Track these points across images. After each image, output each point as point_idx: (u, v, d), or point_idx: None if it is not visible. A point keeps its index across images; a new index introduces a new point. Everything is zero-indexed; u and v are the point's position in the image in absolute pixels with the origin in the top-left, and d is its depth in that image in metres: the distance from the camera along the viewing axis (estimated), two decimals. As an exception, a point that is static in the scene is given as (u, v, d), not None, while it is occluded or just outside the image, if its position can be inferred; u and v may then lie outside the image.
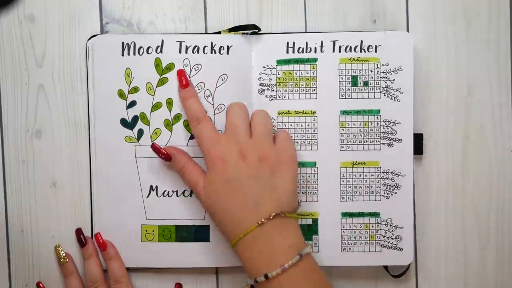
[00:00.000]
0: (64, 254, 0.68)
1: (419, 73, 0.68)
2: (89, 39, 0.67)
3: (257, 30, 0.67)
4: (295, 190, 0.62)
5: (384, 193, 0.67)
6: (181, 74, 0.65)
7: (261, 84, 0.67)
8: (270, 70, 0.67)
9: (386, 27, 0.68)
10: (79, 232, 0.68)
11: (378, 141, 0.67)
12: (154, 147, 0.66)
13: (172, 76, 0.67)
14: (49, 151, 0.68)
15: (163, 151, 0.65)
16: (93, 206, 0.68)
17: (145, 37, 0.67)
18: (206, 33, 0.68)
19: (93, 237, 0.68)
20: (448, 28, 0.68)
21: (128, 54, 0.67)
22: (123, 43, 0.67)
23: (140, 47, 0.67)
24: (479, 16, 0.68)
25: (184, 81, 0.65)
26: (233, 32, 0.67)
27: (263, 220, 0.59)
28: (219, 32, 0.68)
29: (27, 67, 0.68)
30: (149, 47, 0.67)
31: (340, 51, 0.67)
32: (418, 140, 0.67)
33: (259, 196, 0.60)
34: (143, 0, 0.68)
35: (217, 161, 0.61)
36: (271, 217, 0.59)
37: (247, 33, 0.67)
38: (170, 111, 0.67)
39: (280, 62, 0.67)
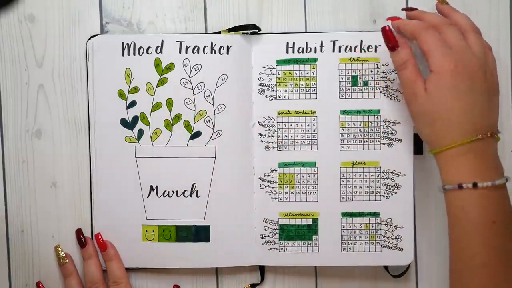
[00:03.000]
0: (64, 255, 0.68)
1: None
2: (89, 39, 0.67)
3: (257, 30, 0.67)
4: None
5: (384, 193, 0.67)
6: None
7: (261, 84, 0.67)
8: (270, 70, 0.67)
9: (386, 27, 0.68)
10: (79, 232, 0.68)
11: (378, 141, 0.67)
12: (386, 30, 0.61)
13: (172, 76, 0.67)
14: (49, 151, 0.68)
15: (392, 37, 0.62)
16: (93, 206, 0.68)
17: (145, 37, 0.67)
18: (206, 33, 0.68)
19: (94, 238, 0.68)
20: (448, 28, 0.68)
21: (128, 54, 0.67)
22: (123, 43, 0.67)
23: (140, 47, 0.67)
24: (479, 15, 0.68)
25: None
26: (233, 32, 0.67)
27: (485, 134, 0.59)
28: (219, 32, 0.68)
29: (27, 67, 0.68)
30: (149, 47, 0.67)
31: (340, 51, 0.67)
32: (418, 140, 0.67)
33: (484, 109, 0.60)
34: (143, 0, 0.68)
35: (448, 69, 0.59)
36: (489, 134, 0.60)
37: (247, 33, 0.67)
38: (170, 111, 0.67)
39: (280, 62, 0.67)
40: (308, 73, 0.67)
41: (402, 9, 0.66)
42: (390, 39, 0.62)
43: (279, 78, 0.67)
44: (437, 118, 0.60)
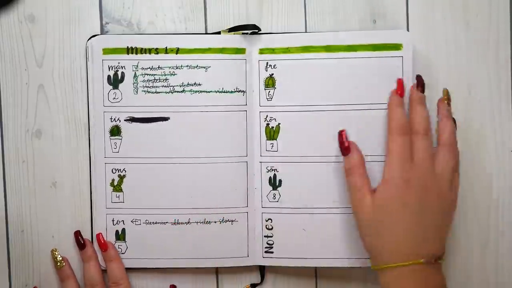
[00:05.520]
0: (60, 258, 0.68)
1: (419, 73, 0.68)
2: (89, 39, 0.67)
3: (257, 30, 0.67)
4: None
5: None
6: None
7: (261, 84, 0.67)
8: (271, 70, 0.67)
9: (386, 27, 0.68)
10: (77, 234, 0.68)
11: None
12: (341, 135, 0.63)
13: (172, 76, 0.67)
14: (49, 151, 0.68)
15: (345, 142, 0.62)
16: (93, 206, 0.68)
17: (145, 37, 0.67)
18: (206, 33, 0.69)
19: (94, 238, 0.68)
20: (448, 28, 0.68)
21: (128, 54, 0.67)
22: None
23: (140, 48, 0.67)
24: (479, 16, 0.68)
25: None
26: (233, 32, 0.67)
27: (430, 258, 0.58)
28: (219, 32, 0.68)
29: (27, 67, 0.68)
30: (148, 48, 0.67)
31: (339, 51, 0.67)
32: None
33: (432, 231, 0.59)
34: (143, 0, 0.68)
35: (400, 182, 0.59)
36: (434, 260, 0.58)
37: (247, 33, 0.67)
38: (170, 111, 0.67)
39: (280, 62, 0.67)
40: (308, 73, 0.67)
41: (416, 77, 0.65)
42: (343, 144, 0.63)
43: (279, 78, 0.67)
44: (381, 231, 0.59)
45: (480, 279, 0.69)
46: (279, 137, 0.67)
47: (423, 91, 0.64)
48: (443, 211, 0.60)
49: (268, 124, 0.67)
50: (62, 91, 0.68)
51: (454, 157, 0.62)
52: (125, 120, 0.67)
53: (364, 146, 0.66)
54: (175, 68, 0.67)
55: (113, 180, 0.68)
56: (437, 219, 0.60)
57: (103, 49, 0.67)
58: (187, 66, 0.67)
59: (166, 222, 0.68)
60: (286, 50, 0.67)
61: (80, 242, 0.68)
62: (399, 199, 0.59)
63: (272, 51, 0.67)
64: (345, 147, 0.63)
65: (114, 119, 0.67)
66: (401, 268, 0.58)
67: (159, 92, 0.67)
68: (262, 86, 0.67)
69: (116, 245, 0.68)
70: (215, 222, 0.68)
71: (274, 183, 0.68)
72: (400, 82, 0.65)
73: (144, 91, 0.67)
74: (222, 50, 0.67)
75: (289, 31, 0.68)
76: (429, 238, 0.59)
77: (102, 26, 0.69)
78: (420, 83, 0.64)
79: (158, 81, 0.67)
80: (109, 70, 0.67)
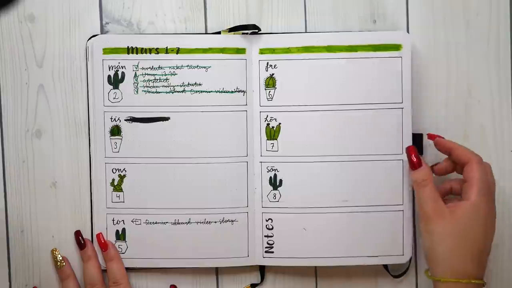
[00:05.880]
0: (61, 258, 0.68)
1: (418, 73, 0.68)
2: (89, 39, 0.67)
3: (257, 30, 0.67)
4: None
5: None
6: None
7: (261, 84, 0.67)
8: (271, 70, 0.67)
9: (386, 27, 0.68)
10: (78, 234, 0.68)
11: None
12: (411, 149, 0.64)
13: (172, 76, 0.67)
14: (49, 151, 0.68)
15: (415, 158, 0.64)
16: (93, 206, 0.68)
17: (145, 37, 0.67)
18: (206, 33, 0.68)
19: (94, 238, 0.68)
20: (448, 28, 0.68)
21: (128, 54, 0.67)
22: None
23: (140, 47, 0.67)
24: (479, 16, 0.68)
25: None
26: (233, 32, 0.67)
27: (478, 281, 0.61)
28: (219, 32, 0.68)
29: (27, 67, 0.68)
30: (149, 47, 0.67)
31: (340, 51, 0.67)
32: (418, 140, 0.67)
33: (484, 255, 0.62)
34: (143, 0, 0.68)
35: (484, 208, 0.61)
36: (483, 284, 0.61)
37: (247, 33, 0.67)
38: (170, 111, 0.67)
39: (280, 62, 0.67)
40: (308, 72, 0.67)
41: (430, 137, 0.67)
42: (415, 158, 0.64)
43: (279, 78, 0.67)
44: (452, 245, 0.61)
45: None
46: (280, 137, 0.67)
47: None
48: (492, 239, 0.63)
49: (268, 124, 0.67)
50: (62, 91, 0.68)
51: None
52: (125, 120, 0.67)
53: (364, 146, 0.66)
54: (175, 68, 0.67)
55: (113, 180, 0.67)
56: (490, 245, 0.63)
57: (103, 49, 0.67)
58: (187, 66, 0.67)
59: (166, 222, 0.68)
60: (287, 50, 0.67)
61: (80, 242, 0.68)
62: (484, 218, 0.61)
63: (273, 51, 0.67)
64: (417, 161, 0.64)
65: (114, 119, 0.67)
66: (456, 283, 0.60)
67: (159, 92, 0.67)
68: (263, 86, 0.67)
69: (116, 245, 0.68)
70: (215, 222, 0.68)
71: (275, 183, 0.68)
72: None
73: (145, 91, 0.67)
74: (222, 50, 0.67)
75: (289, 31, 0.68)
76: (481, 262, 0.62)
77: (102, 26, 0.68)
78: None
79: (158, 81, 0.67)
80: (109, 70, 0.67)
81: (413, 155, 0.64)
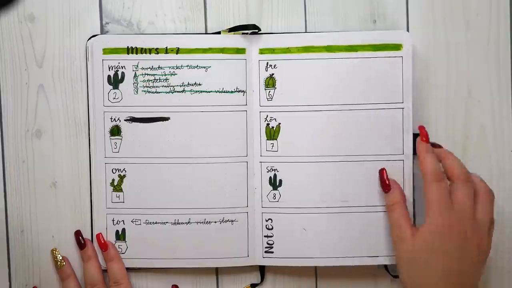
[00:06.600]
0: (61, 258, 0.68)
1: (419, 72, 0.68)
2: (89, 39, 0.67)
3: (257, 30, 0.67)
4: None
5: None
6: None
7: (261, 84, 0.67)
8: (271, 70, 0.67)
9: (386, 27, 0.68)
10: (78, 234, 0.68)
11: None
12: (382, 173, 0.65)
13: (172, 76, 0.67)
14: (49, 151, 0.68)
15: (386, 180, 0.65)
16: (93, 206, 0.68)
17: (145, 37, 0.67)
18: (206, 33, 0.69)
19: (94, 238, 0.68)
20: (448, 28, 0.68)
21: (128, 54, 0.67)
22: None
23: (140, 48, 0.67)
24: (479, 16, 0.68)
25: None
26: (233, 32, 0.67)
27: None
28: (219, 32, 0.68)
29: (27, 67, 0.68)
30: (148, 48, 0.67)
31: (340, 51, 0.67)
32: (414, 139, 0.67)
33: (464, 277, 0.60)
34: (143, 0, 0.68)
35: (441, 229, 0.60)
36: None
37: (247, 33, 0.67)
38: (170, 111, 0.67)
39: (280, 62, 0.67)
40: (309, 73, 0.67)
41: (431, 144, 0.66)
42: (384, 182, 0.65)
43: (279, 78, 0.67)
44: (419, 271, 0.61)
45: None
46: (279, 137, 0.67)
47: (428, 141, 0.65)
48: (479, 259, 0.62)
49: (268, 124, 0.67)
50: (62, 91, 0.68)
51: (492, 206, 0.63)
52: (125, 120, 0.67)
53: (365, 146, 0.66)
54: (175, 68, 0.67)
55: (113, 180, 0.68)
56: (473, 267, 0.61)
57: (103, 49, 0.67)
58: (187, 66, 0.67)
59: (166, 222, 0.68)
60: (287, 50, 0.67)
61: (80, 242, 0.68)
62: (440, 246, 0.60)
63: (272, 51, 0.67)
64: (387, 184, 0.65)
65: (114, 119, 0.67)
66: None
67: (159, 92, 0.67)
68: (262, 86, 0.67)
69: (116, 245, 0.68)
70: (215, 222, 0.68)
71: (274, 183, 0.68)
72: (421, 129, 0.65)
73: (144, 91, 0.67)
74: (222, 50, 0.67)
75: (289, 31, 0.68)
76: (464, 284, 0.61)
77: (102, 26, 0.69)
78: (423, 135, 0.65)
79: (158, 81, 0.67)
80: (109, 70, 0.67)
81: (384, 178, 0.65)
